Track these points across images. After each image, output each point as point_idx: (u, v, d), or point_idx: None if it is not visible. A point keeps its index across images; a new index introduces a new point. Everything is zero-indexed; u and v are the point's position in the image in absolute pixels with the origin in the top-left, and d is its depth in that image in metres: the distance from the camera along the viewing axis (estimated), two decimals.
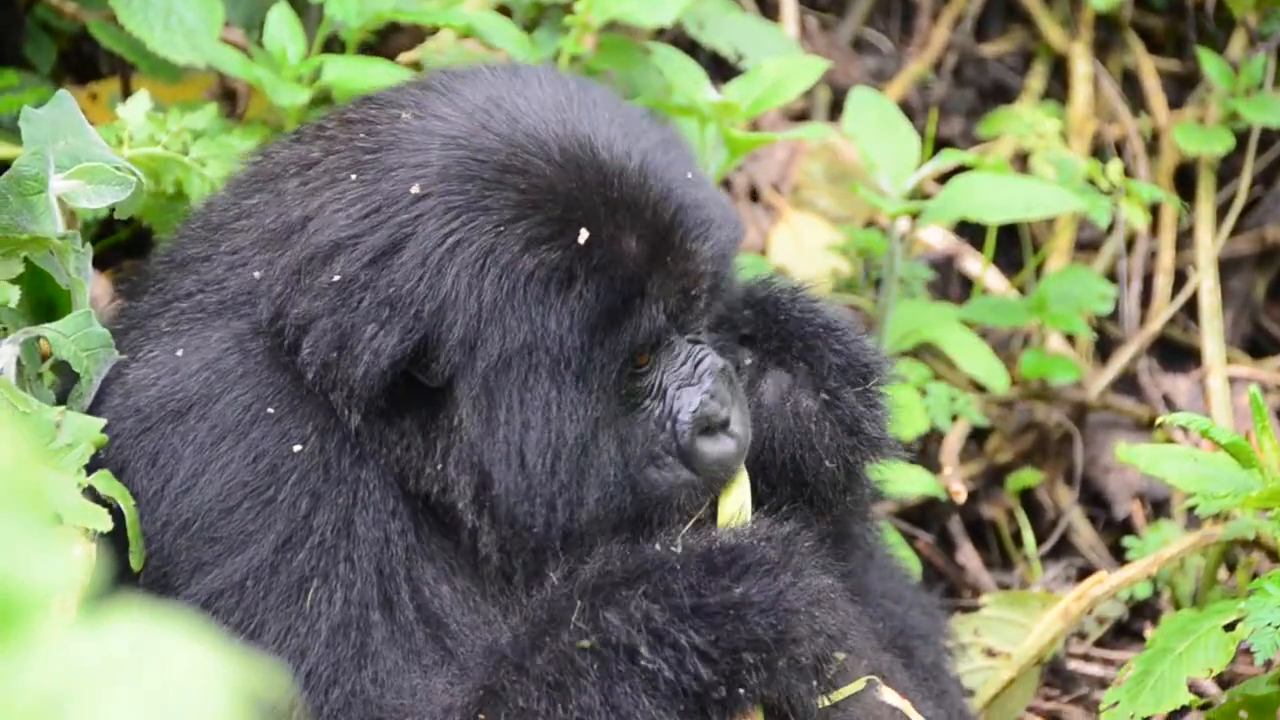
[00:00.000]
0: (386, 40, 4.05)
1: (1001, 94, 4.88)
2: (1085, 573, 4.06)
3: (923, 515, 4.25)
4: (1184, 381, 4.49)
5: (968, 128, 4.78)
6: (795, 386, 2.82)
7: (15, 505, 1.28)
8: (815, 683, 2.50)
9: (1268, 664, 3.11)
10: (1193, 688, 3.16)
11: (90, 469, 2.55)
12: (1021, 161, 4.56)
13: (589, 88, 2.73)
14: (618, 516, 2.66)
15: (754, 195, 4.60)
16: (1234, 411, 4.26)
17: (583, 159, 2.62)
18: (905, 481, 3.75)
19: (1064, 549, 4.28)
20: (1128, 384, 4.49)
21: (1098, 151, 4.69)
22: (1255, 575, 3.70)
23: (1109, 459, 4.34)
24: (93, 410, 2.62)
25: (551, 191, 2.59)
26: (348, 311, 2.55)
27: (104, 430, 2.57)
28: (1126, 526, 4.28)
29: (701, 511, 2.72)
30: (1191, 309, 4.52)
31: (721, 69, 4.21)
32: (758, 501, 2.76)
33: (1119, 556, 4.15)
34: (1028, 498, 4.34)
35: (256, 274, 2.64)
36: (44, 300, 2.82)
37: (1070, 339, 4.43)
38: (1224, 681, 3.69)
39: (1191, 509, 3.56)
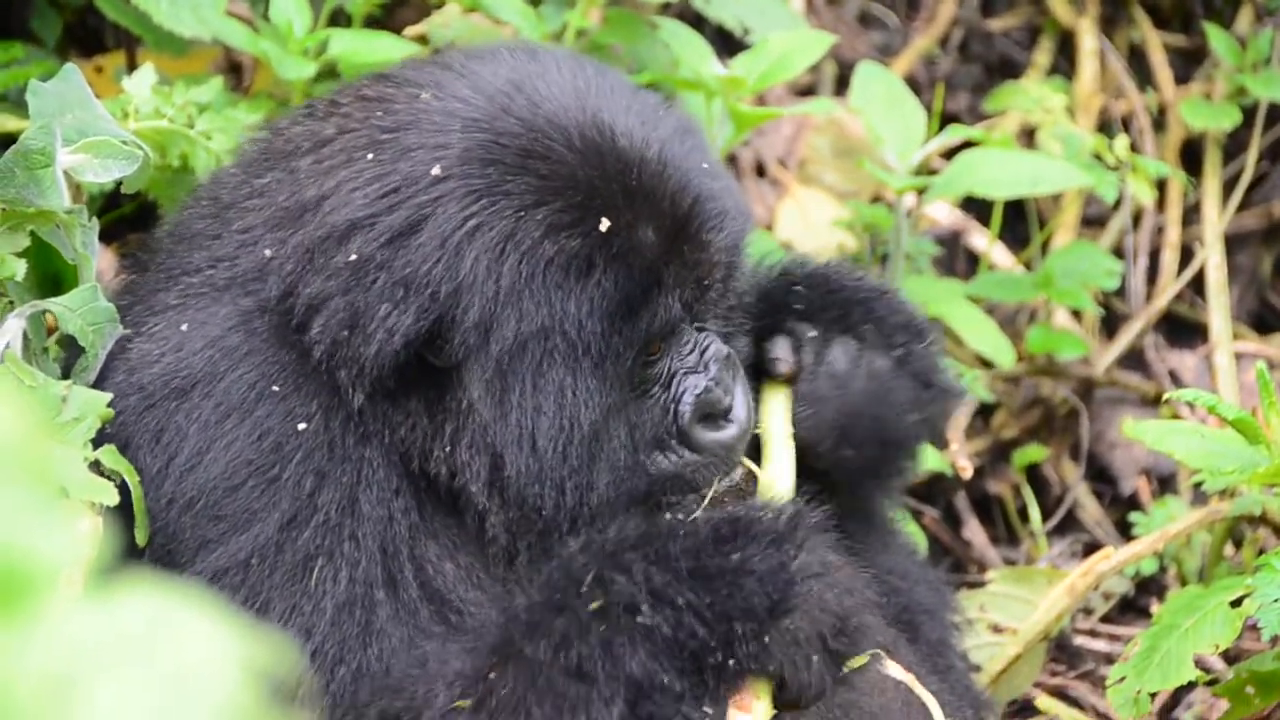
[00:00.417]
0: (392, 14, 4.04)
1: (1008, 69, 4.87)
2: (1091, 548, 4.06)
3: (929, 491, 4.25)
4: (1190, 357, 4.48)
5: (974, 103, 4.77)
6: (865, 349, 2.87)
7: (22, 479, 1.27)
8: (815, 658, 2.49)
9: (1274, 640, 3.11)
10: (1199, 664, 3.17)
11: (95, 445, 2.54)
12: (1028, 137, 4.56)
13: (606, 73, 2.73)
14: (627, 500, 2.68)
15: (760, 170, 4.59)
16: (1240, 387, 4.25)
17: (603, 146, 2.61)
18: None
19: (1070, 525, 4.28)
20: (1134, 360, 4.48)
21: (1104, 127, 4.68)
22: (1261, 551, 3.70)
23: (1115, 435, 4.33)
24: (98, 385, 2.62)
25: (572, 179, 2.58)
26: (362, 291, 2.54)
27: (109, 406, 2.56)
28: (1133, 502, 4.28)
29: (734, 484, 2.74)
30: (1198, 285, 4.51)
31: (728, 43, 4.20)
32: (823, 471, 2.82)
33: (1125, 532, 4.15)
34: (1034, 473, 4.33)
35: (267, 252, 2.63)
36: (50, 274, 2.82)
37: (1076, 315, 4.43)
38: (1230, 657, 3.69)
39: (1198, 485, 3.55)
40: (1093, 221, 4.67)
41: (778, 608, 2.47)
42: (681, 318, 2.69)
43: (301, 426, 2.54)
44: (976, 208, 4.55)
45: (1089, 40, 4.74)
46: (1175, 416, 4.11)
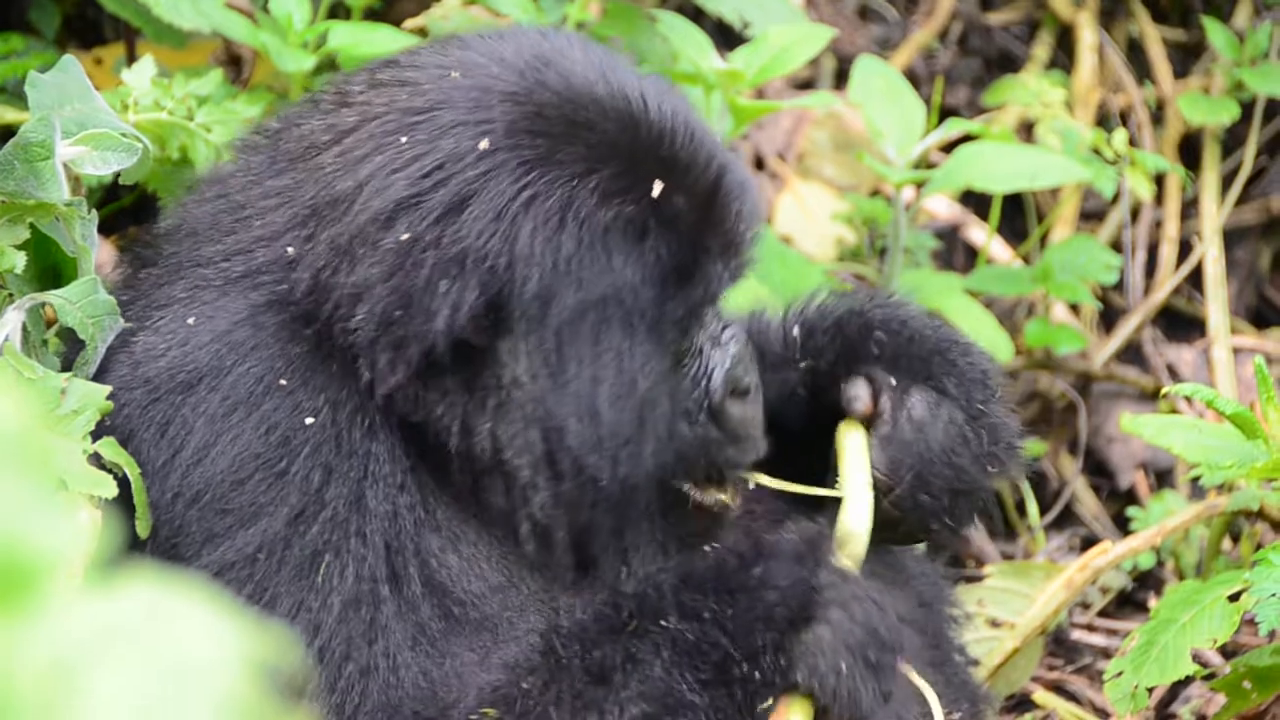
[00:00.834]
0: (392, 7, 4.04)
1: (1007, 63, 4.87)
2: (1089, 543, 4.06)
3: None
4: (1188, 352, 4.48)
5: (973, 96, 4.77)
6: (944, 401, 2.88)
7: (21, 471, 1.27)
8: (844, 668, 2.49)
9: (1272, 634, 3.11)
10: (1196, 658, 3.16)
11: (96, 438, 2.54)
12: (1026, 131, 4.56)
13: (612, 52, 2.75)
14: (660, 472, 2.69)
15: (759, 164, 4.59)
16: (1238, 382, 4.26)
17: (638, 117, 2.63)
18: None
19: (1068, 519, 4.28)
20: (1132, 354, 4.48)
21: (1103, 121, 4.69)
22: (1259, 546, 3.70)
23: (1113, 429, 4.34)
24: (100, 379, 2.61)
25: (617, 146, 2.60)
26: (415, 270, 2.53)
27: (112, 400, 2.56)
28: (1130, 497, 4.28)
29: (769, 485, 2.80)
30: (1196, 279, 4.52)
31: (727, 36, 4.20)
32: (901, 522, 2.85)
33: (1123, 527, 4.15)
34: (1031, 468, 4.34)
35: (290, 250, 2.62)
36: (49, 267, 2.81)
37: (1075, 309, 4.43)
38: (1227, 652, 3.69)
39: (1195, 480, 3.55)
40: (1091, 216, 4.67)
41: (799, 617, 2.48)
42: (726, 284, 2.70)
43: (309, 421, 2.54)
44: (975, 201, 4.55)
45: (1088, 34, 4.74)
46: (1173, 411, 4.11)
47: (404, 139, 2.59)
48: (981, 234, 4.52)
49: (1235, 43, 4.50)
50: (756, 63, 3.71)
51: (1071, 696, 3.80)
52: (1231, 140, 4.66)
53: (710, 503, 2.74)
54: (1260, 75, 4.48)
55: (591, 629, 2.50)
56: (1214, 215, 4.50)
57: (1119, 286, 4.53)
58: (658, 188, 2.59)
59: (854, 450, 2.81)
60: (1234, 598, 3.08)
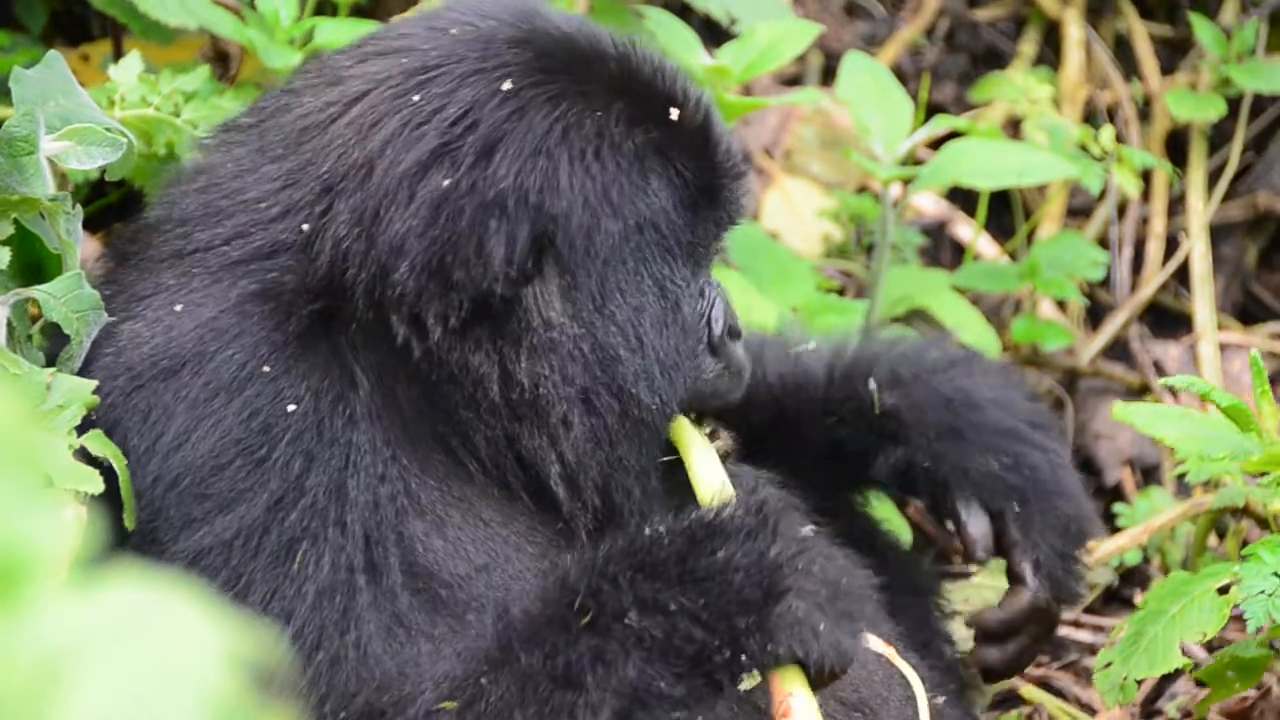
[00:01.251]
0: (379, 3, 4.03)
1: (994, 59, 4.87)
2: None
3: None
4: (1175, 348, 4.49)
5: (960, 93, 4.78)
6: (1007, 532, 3.11)
7: (7, 469, 1.27)
8: (822, 627, 2.49)
9: (1259, 631, 3.11)
10: (1183, 653, 3.16)
11: (83, 428, 2.54)
12: (1014, 127, 4.56)
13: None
14: (684, 405, 2.73)
15: (746, 160, 4.59)
16: (1225, 378, 4.26)
17: (629, 55, 2.69)
18: None
19: None
20: (1119, 350, 4.49)
21: (1090, 117, 4.69)
22: (1245, 543, 3.70)
23: (1099, 425, 4.34)
24: (86, 367, 2.61)
25: (624, 80, 2.66)
26: (458, 216, 2.55)
27: (96, 389, 2.56)
28: (1117, 493, 4.29)
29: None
30: (1183, 275, 4.52)
31: (714, 33, 4.20)
32: None
33: (1109, 523, 4.15)
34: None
35: (305, 227, 2.62)
36: (32, 263, 2.80)
37: (1061, 305, 4.43)
38: (1212, 647, 3.69)
39: (1181, 476, 3.56)
40: (1078, 212, 4.68)
41: (771, 593, 2.48)
42: (740, 209, 2.77)
43: (291, 408, 2.53)
44: (962, 198, 4.56)
45: (1075, 30, 4.74)
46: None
47: (417, 97, 2.61)
48: (969, 230, 4.52)
49: (1222, 39, 4.50)
50: (744, 59, 3.72)
51: (1058, 693, 3.80)
52: (1218, 136, 4.67)
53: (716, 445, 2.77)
54: (1247, 71, 4.48)
55: (544, 627, 2.47)
56: (1201, 211, 4.50)
57: (1106, 283, 4.54)
58: (675, 113, 2.65)
59: (690, 436, 2.81)
60: (1224, 590, 3.08)
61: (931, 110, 4.58)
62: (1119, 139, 4.49)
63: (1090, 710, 3.70)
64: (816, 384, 3.18)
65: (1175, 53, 4.86)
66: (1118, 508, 4.08)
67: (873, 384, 3.12)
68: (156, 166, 3.28)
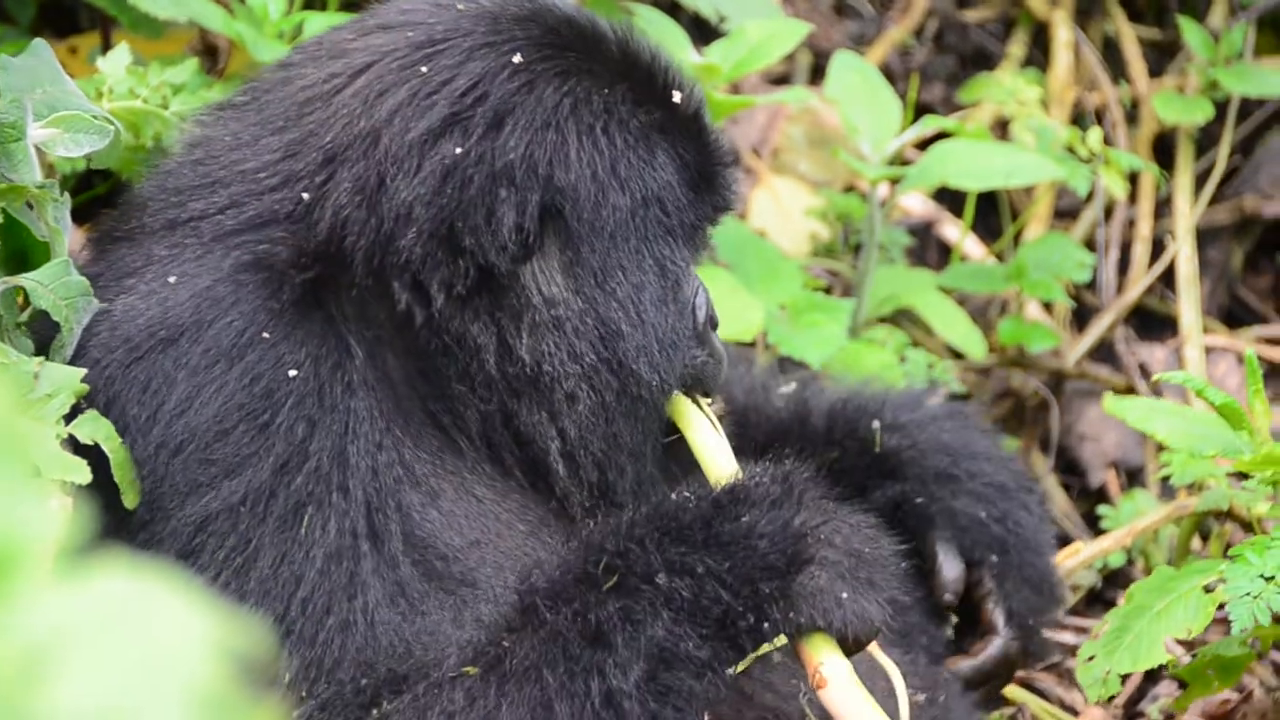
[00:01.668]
0: None
1: (982, 60, 4.88)
2: (1060, 541, 4.06)
3: None
4: (1160, 350, 4.49)
5: (948, 94, 4.78)
6: (982, 581, 3.18)
7: None
8: (844, 595, 2.51)
9: (1243, 631, 3.11)
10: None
11: (78, 409, 2.53)
12: (1002, 128, 4.56)
13: None
14: (680, 385, 2.75)
15: (734, 158, 4.59)
16: (1209, 381, 4.26)
17: (628, 39, 2.73)
18: None
19: None
20: (1104, 352, 4.49)
21: (1077, 119, 4.70)
22: (1229, 546, 3.70)
23: (1085, 427, 4.35)
24: (81, 342, 2.60)
25: (627, 61, 2.70)
26: (467, 184, 2.58)
27: (93, 362, 2.56)
28: (1101, 495, 4.29)
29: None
30: (1169, 278, 4.53)
31: (703, 31, 4.20)
32: None
33: (1093, 525, 4.16)
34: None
35: (306, 195, 2.63)
36: (18, 252, 2.80)
37: (1048, 307, 4.44)
38: (1192, 645, 3.70)
39: (1165, 479, 3.56)
40: (1065, 214, 4.68)
41: (794, 561, 2.51)
42: (734, 194, 2.81)
43: (292, 373, 2.54)
44: (949, 198, 4.56)
45: (1063, 32, 4.75)
46: None
47: (425, 68, 2.63)
48: (956, 231, 4.52)
49: (1210, 42, 4.51)
50: (733, 57, 3.72)
51: (1041, 694, 3.80)
52: (1205, 140, 4.68)
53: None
54: (1235, 75, 4.49)
55: (571, 587, 2.49)
56: (1187, 214, 4.51)
57: (1092, 285, 4.54)
58: (677, 95, 2.70)
59: (694, 415, 2.81)
60: (1209, 589, 3.08)
61: (920, 110, 4.58)
62: (1106, 141, 4.49)
63: (1073, 711, 3.70)
64: (820, 415, 3.23)
65: (1163, 55, 4.87)
66: (1102, 510, 4.08)
67: (876, 424, 3.18)
68: (144, 158, 3.28)
